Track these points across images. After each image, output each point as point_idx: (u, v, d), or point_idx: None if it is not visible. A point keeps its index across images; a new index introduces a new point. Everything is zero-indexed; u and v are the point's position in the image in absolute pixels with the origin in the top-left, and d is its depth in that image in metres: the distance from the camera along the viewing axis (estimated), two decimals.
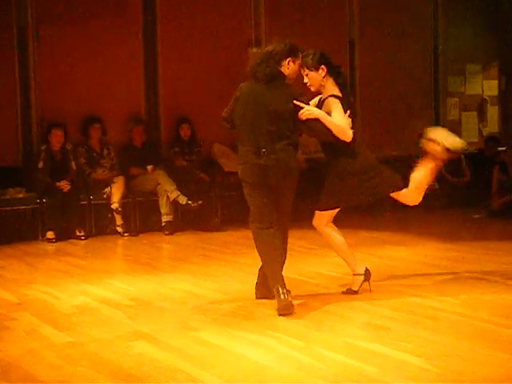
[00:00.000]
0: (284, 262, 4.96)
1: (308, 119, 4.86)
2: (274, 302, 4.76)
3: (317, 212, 5.14)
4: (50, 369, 3.79)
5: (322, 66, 5.05)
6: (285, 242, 5.03)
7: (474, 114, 12.00)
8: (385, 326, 4.39)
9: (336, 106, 4.96)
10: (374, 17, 10.91)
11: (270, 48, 4.94)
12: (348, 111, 4.99)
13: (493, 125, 12.18)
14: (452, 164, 10.31)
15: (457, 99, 11.82)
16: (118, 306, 5.09)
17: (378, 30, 10.90)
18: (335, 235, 5.16)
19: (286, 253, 5.02)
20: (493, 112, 12.18)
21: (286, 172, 4.86)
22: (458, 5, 11.66)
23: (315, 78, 5.07)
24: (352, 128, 5.00)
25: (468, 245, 7.20)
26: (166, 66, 9.37)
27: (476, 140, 11.83)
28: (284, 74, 4.92)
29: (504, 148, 10.13)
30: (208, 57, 9.61)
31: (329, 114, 4.93)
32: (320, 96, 5.16)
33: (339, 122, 4.90)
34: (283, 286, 4.71)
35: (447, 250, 6.96)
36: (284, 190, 4.92)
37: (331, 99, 5.00)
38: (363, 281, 5.21)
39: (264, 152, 4.78)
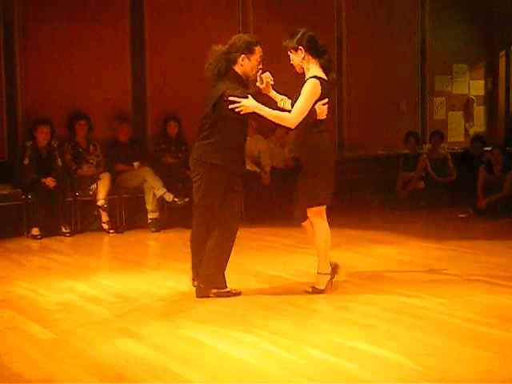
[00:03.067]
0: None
1: (244, 113, 4.84)
2: (261, 299, 4.76)
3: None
4: (34, 366, 3.77)
5: (300, 47, 4.93)
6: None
7: (461, 113, 12.05)
8: (370, 325, 4.40)
9: (304, 89, 4.86)
10: (362, 16, 10.92)
11: (228, 44, 5.02)
12: (326, 99, 4.91)
13: (479, 124, 12.23)
14: (438, 163, 10.41)
15: (443, 99, 11.86)
16: (103, 303, 5.07)
17: (365, 28, 10.91)
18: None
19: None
20: (479, 112, 12.23)
21: (197, 170, 5.06)
22: (446, 5, 11.70)
23: (295, 59, 4.99)
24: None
25: (454, 244, 7.23)
26: (153, 62, 9.33)
27: (462, 139, 11.89)
28: (234, 72, 4.96)
29: (490, 148, 10.19)
30: (195, 54, 9.55)
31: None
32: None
33: (297, 107, 4.81)
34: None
35: (433, 249, 6.98)
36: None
37: (309, 80, 4.88)
38: (330, 279, 5.19)
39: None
